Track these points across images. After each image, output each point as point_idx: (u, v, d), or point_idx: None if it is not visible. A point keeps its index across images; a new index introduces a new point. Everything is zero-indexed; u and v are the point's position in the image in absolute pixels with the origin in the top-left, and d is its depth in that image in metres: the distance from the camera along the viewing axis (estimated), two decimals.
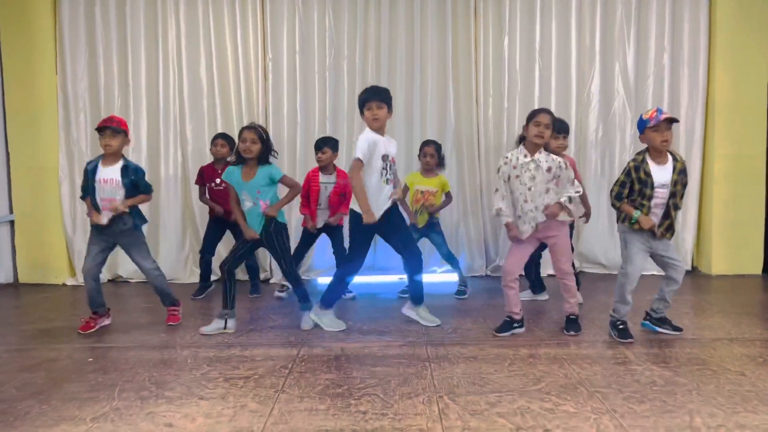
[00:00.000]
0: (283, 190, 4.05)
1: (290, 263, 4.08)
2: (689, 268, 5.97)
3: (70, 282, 5.70)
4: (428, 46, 5.72)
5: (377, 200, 3.86)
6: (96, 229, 4.00)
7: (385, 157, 3.86)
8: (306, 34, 5.71)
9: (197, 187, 5.19)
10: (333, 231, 4.95)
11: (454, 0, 5.70)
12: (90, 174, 3.98)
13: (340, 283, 4.09)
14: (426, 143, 4.92)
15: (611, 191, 3.78)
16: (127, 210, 3.95)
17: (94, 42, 5.66)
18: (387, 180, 3.88)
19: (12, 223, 5.71)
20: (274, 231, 3.96)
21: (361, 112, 3.88)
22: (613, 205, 3.78)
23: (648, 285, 4.42)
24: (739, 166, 5.70)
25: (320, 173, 4.84)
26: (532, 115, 3.73)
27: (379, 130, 3.87)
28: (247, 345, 3.71)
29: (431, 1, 5.69)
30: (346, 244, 5.07)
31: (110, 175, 3.96)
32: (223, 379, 3.11)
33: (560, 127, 4.54)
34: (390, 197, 3.92)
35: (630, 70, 5.76)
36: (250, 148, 3.86)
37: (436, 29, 5.72)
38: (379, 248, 5.74)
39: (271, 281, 5.76)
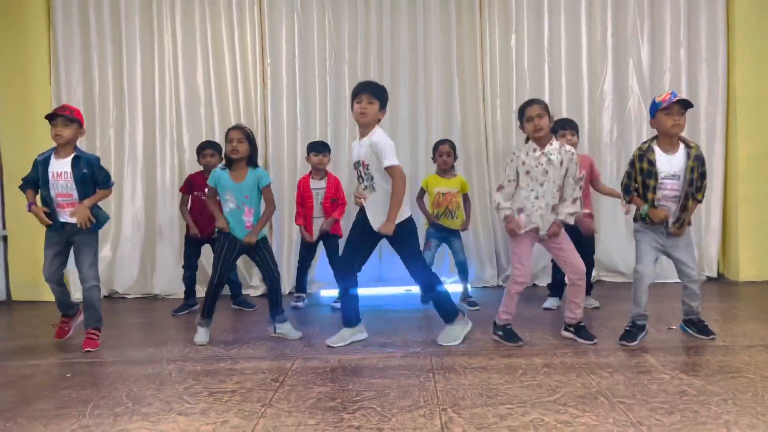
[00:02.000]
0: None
1: (277, 268, 3.86)
2: (714, 275, 5.61)
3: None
4: (432, 46, 5.51)
5: (368, 207, 3.58)
6: (49, 231, 3.71)
7: (356, 165, 3.57)
8: (305, 37, 5.53)
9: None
10: (328, 240, 4.77)
11: None
12: (41, 165, 3.64)
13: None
14: (441, 142, 4.76)
15: (621, 183, 3.59)
16: (93, 219, 3.65)
17: (88, 50, 5.51)
18: (365, 188, 3.56)
19: (5, 238, 5.52)
20: (257, 242, 3.78)
21: (352, 106, 3.56)
22: (624, 198, 3.57)
23: (672, 293, 4.11)
24: (764, 165, 5.37)
25: (311, 179, 4.72)
26: (521, 113, 3.51)
27: (365, 128, 3.52)
28: (239, 358, 3.44)
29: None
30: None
31: (62, 167, 3.62)
32: (207, 394, 2.84)
33: (566, 123, 4.31)
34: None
35: (645, 67, 5.49)
36: (237, 147, 3.67)
37: (439, 29, 5.51)
38: (384, 260, 5.48)
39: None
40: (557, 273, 4.60)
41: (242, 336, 3.98)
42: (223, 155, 3.89)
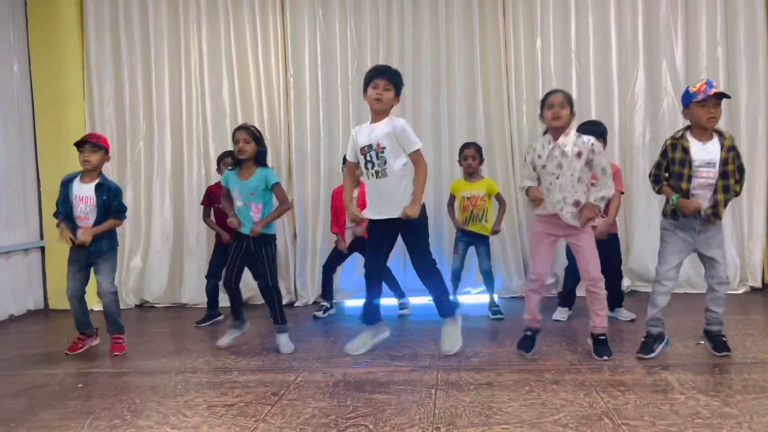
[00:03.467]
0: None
1: (275, 276, 3.82)
2: (759, 284, 5.27)
3: (98, 308, 5.54)
4: (455, 51, 5.39)
5: (372, 199, 3.53)
6: (72, 249, 3.90)
7: (365, 149, 3.43)
8: (327, 47, 5.52)
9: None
10: (365, 249, 4.75)
11: (480, 1, 5.37)
12: (64, 187, 3.87)
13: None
14: (465, 146, 4.67)
15: (649, 174, 3.41)
16: (89, 240, 3.80)
17: (120, 67, 5.67)
18: (376, 173, 3.43)
19: (42, 249, 5.72)
20: (262, 240, 3.75)
21: (365, 91, 3.47)
22: (653, 188, 3.41)
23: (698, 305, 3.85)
24: None
25: None
26: (543, 100, 3.41)
27: (379, 114, 3.44)
28: (246, 370, 3.43)
29: (456, 4, 5.38)
30: None
31: (86, 192, 3.85)
32: (205, 407, 2.84)
33: (590, 128, 4.13)
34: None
35: (679, 67, 5.22)
36: (244, 148, 3.71)
37: (462, 33, 5.39)
38: (409, 270, 5.38)
39: (296, 305, 5.50)
40: (567, 283, 4.44)
41: (253, 347, 3.97)
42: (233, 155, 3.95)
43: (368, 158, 3.45)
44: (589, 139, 3.35)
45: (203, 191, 5.60)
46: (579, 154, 3.31)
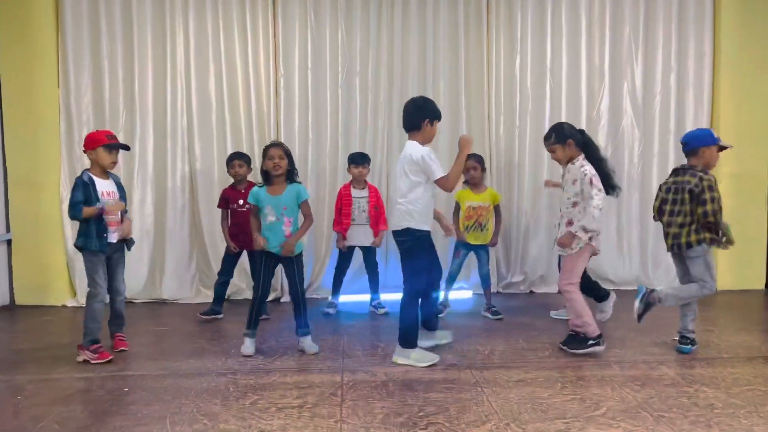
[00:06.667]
0: None
1: (303, 284, 4.04)
2: None
3: (71, 303, 5.44)
4: (440, 63, 5.71)
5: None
6: (99, 250, 3.80)
7: None
8: (318, 50, 5.63)
9: (215, 209, 5.11)
10: (366, 247, 5.06)
11: (466, 18, 5.71)
12: (90, 187, 3.78)
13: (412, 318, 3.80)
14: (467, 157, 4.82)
15: (716, 213, 3.68)
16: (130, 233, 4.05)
17: (98, 54, 5.46)
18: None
19: (9, 242, 5.44)
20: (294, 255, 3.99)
21: (431, 123, 3.79)
22: (717, 222, 3.71)
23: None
24: (742, 184, 5.83)
25: (353, 188, 4.94)
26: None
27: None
28: (286, 371, 3.59)
29: (444, 19, 5.69)
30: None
31: (109, 188, 3.94)
32: (275, 409, 3.00)
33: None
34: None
35: (638, 90, 5.86)
36: (279, 164, 3.85)
37: (448, 47, 5.71)
38: (390, 266, 5.67)
39: (282, 300, 5.61)
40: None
41: (275, 346, 4.11)
42: (260, 170, 4.01)
43: None
44: (585, 173, 3.76)
45: (187, 187, 5.60)
46: (574, 182, 3.80)
